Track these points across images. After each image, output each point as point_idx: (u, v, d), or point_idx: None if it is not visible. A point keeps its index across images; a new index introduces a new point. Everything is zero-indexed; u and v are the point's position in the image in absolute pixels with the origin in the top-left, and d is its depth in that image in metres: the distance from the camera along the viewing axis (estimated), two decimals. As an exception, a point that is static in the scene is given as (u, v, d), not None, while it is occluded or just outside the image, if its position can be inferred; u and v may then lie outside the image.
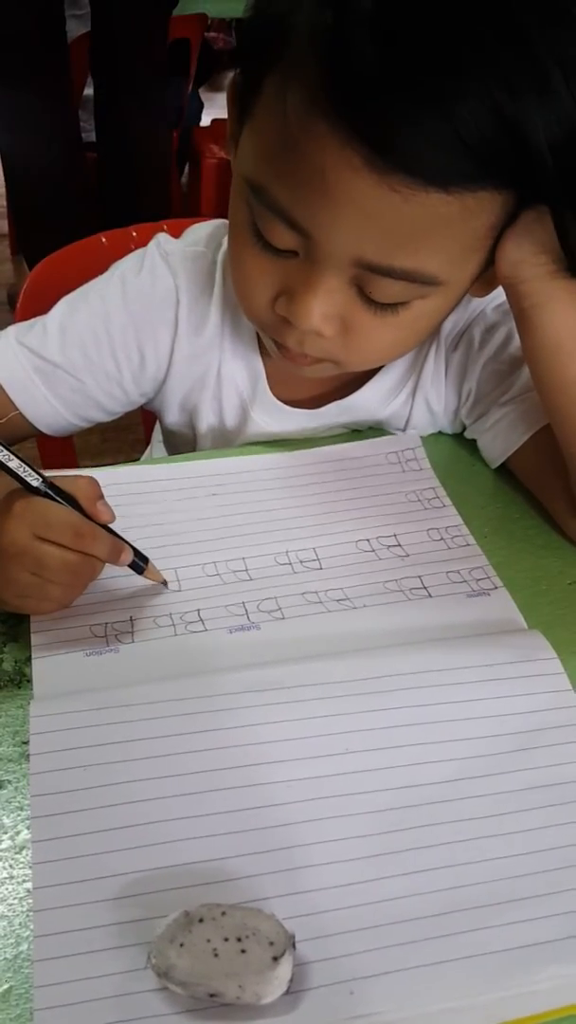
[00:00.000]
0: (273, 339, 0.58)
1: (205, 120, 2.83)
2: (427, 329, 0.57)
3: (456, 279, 0.51)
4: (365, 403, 0.69)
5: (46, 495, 0.50)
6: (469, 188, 0.44)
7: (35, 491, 0.50)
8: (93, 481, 0.52)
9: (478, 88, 0.41)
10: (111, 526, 0.52)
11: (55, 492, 0.50)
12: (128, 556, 0.53)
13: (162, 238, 0.69)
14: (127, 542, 0.53)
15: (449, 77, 0.41)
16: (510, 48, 0.42)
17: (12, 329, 0.67)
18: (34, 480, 0.50)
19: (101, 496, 0.52)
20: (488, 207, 0.46)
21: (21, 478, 0.50)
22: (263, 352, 0.68)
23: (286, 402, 0.69)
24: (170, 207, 2.23)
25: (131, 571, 0.54)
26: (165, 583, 0.56)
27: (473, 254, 0.50)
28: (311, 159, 0.45)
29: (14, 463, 0.49)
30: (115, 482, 0.62)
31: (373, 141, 0.43)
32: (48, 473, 0.51)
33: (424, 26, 0.41)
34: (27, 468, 0.50)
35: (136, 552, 0.54)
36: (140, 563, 0.54)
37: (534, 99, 0.42)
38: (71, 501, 0.51)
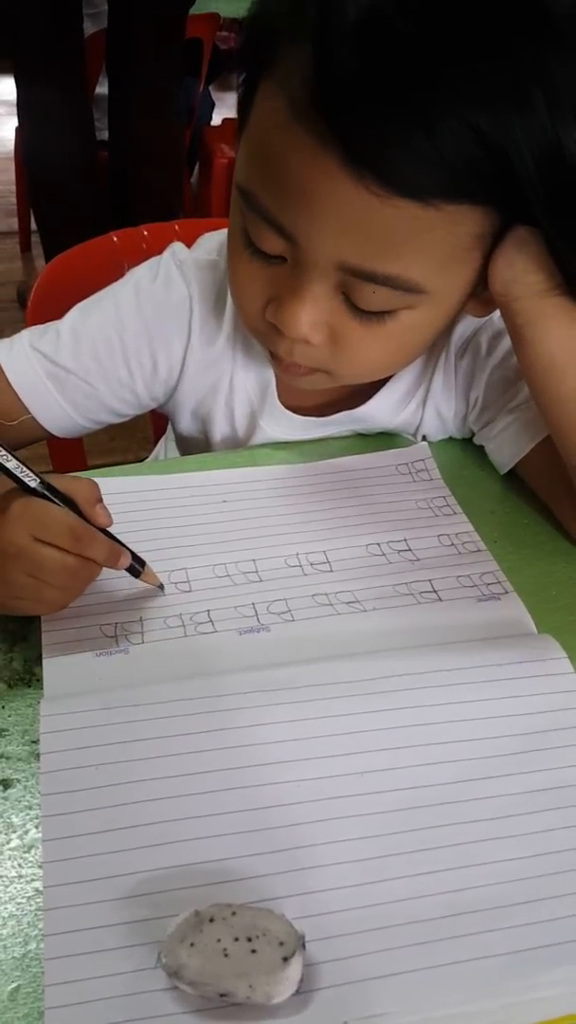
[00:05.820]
0: (267, 348, 0.58)
1: (216, 119, 2.83)
2: (416, 344, 0.57)
3: (442, 290, 0.51)
4: (375, 413, 0.69)
5: (44, 496, 0.49)
6: (445, 201, 0.44)
7: (32, 492, 0.49)
8: (93, 484, 0.52)
9: (457, 105, 0.41)
10: (109, 530, 0.52)
11: (53, 493, 0.50)
12: (126, 560, 0.53)
13: (177, 247, 0.69)
14: (125, 546, 0.53)
15: (428, 91, 0.41)
16: (492, 66, 0.41)
17: (26, 333, 0.67)
18: (32, 481, 0.49)
19: (100, 499, 0.52)
20: (469, 218, 0.46)
21: (19, 479, 0.49)
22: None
23: (295, 410, 0.69)
24: (181, 206, 2.24)
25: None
26: (161, 587, 0.55)
27: (458, 265, 0.50)
28: (292, 163, 0.46)
29: (12, 463, 0.49)
30: (126, 490, 0.62)
31: (350, 147, 0.43)
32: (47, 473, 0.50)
33: (406, 38, 0.41)
34: (25, 469, 0.49)
35: (133, 556, 0.53)
36: (137, 567, 0.54)
37: (514, 119, 0.42)
38: (69, 503, 0.50)
